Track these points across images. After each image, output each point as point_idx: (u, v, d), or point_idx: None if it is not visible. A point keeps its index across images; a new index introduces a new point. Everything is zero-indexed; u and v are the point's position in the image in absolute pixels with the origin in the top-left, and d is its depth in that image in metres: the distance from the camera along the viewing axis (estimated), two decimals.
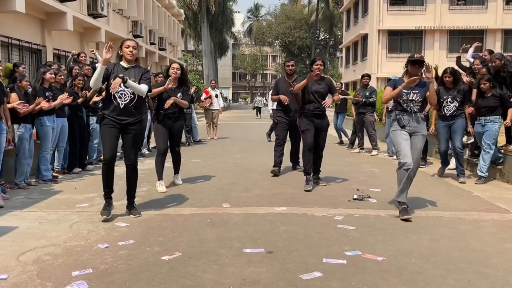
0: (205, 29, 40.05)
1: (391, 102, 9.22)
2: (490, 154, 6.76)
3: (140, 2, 20.25)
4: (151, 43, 23.29)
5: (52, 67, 7.45)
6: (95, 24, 15.16)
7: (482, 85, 6.82)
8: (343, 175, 6.30)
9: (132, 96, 4.74)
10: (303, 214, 5.01)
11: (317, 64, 6.43)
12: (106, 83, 4.75)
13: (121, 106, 4.71)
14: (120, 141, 4.95)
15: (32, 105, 6.31)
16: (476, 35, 28.12)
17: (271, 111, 11.23)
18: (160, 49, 24.82)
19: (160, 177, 6.27)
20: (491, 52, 8.37)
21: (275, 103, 7.82)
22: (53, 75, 6.87)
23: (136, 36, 20.33)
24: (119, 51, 4.81)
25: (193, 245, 3.91)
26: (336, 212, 5.07)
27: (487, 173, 6.85)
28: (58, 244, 3.93)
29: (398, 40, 28.88)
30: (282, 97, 7.26)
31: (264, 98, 38.49)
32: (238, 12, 61.34)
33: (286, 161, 7.79)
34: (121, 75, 4.65)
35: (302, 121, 6.49)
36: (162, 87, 6.07)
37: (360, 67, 31.24)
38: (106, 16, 16.45)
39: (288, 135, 7.56)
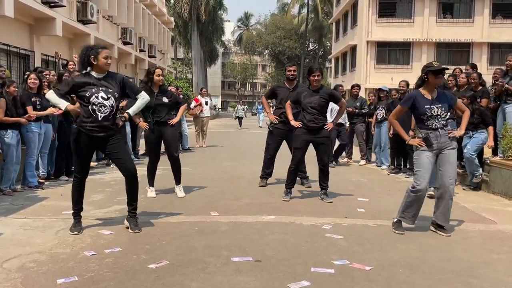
0: (195, 37, 40.11)
1: (381, 112, 9.41)
2: (472, 161, 6.99)
3: (130, 9, 20.22)
4: (141, 50, 23.23)
5: (44, 73, 7.36)
6: (85, 30, 15.08)
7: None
8: (331, 184, 6.31)
9: (112, 108, 4.43)
10: (292, 223, 5.00)
11: (314, 76, 5.96)
12: (79, 95, 4.43)
13: (100, 119, 4.39)
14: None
15: (17, 118, 6.25)
16: (463, 48, 28.64)
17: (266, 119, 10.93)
18: (149, 57, 24.75)
19: (151, 184, 6.23)
20: (473, 65, 8.61)
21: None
22: (36, 81, 6.72)
23: (125, 43, 20.28)
24: (92, 59, 4.38)
25: (181, 254, 3.88)
26: (324, 221, 5.07)
27: (480, 175, 7.10)
28: (43, 251, 3.88)
29: (386, 51, 29.20)
30: (271, 117, 6.95)
31: (245, 106, 34.75)
32: (228, 21, 61.63)
33: (278, 171, 7.77)
34: (123, 119, 4.63)
35: (296, 136, 6.09)
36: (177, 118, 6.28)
37: (349, 78, 31.49)
38: (95, 23, 16.39)
39: (288, 146, 7.16)
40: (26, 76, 6.90)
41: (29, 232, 4.47)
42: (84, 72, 4.49)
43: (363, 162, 10.20)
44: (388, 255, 3.99)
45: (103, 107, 4.38)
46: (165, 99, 6.09)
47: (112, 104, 4.43)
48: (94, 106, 4.36)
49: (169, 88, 11.96)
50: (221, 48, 57.87)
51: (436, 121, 4.57)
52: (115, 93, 4.47)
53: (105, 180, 7.49)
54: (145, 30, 23.20)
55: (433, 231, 4.75)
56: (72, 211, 4.60)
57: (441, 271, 3.63)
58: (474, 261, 3.90)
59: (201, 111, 13.33)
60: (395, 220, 4.79)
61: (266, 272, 3.50)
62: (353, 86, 10.80)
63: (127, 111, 4.73)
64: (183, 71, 46.06)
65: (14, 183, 6.36)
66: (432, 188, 5.90)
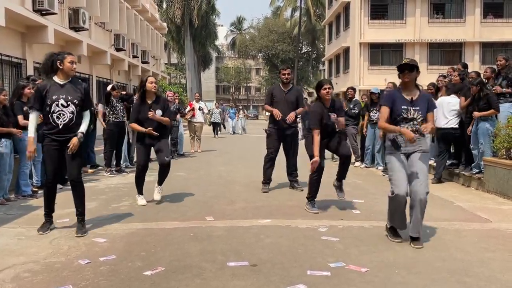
0: (188, 42, 40.19)
1: (375, 114, 9.41)
2: (481, 150, 7.11)
3: (123, 15, 20.21)
4: (134, 56, 23.22)
5: (37, 82, 7.32)
6: (77, 37, 15.06)
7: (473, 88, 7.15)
8: (326, 186, 6.30)
9: (71, 115, 4.59)
10: (287, 226, 4.99)
11: (325, 89, 5.56)
12: (44, 105, 4.58)
13: (60, 127, 4.57)
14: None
15: (10, 129, 6.22)
16: (455, 48, 28.81)
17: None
18: (143, 62, 24.76)
19: (140, 192, 6.11)
20: (464, 65, 8.67)
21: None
22: (32, 90, 6.72)
23: (118, 50, 20.25)
24: (59, 64, 4.60)
25: (176, 259, 3.87)
26: (320, 223, 5.07)
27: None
28: (38, 261, 3.85)
29: (379, 53, 29.33)
30: (275, 111, 6.81)
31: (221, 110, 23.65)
32: (221, 25, 61.73)
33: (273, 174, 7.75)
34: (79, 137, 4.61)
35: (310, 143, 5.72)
36: (145, 130, 5.85)
37: (343, 80, 31.61)
38: (88, 29, 16.37)
39: (282, 148, 7.12)
40: (20, 85, 6.84)
41: (23, 241, 4.44)
42: (49, 78, 4.63)
43: (357, 163, 10.22)
44: (384, 256, 3.99)
45: (62, 115, 4.56)
46: (159, 112, 5.96)
47: (71, 111, 4.59)
48: (54, 114, 4.54)
49: (167, 93, 12.00)
50: (214, 52, 57.91)
51: (411, 124, 4.26)
52: (75, 100, 4.60)
53: (99, 188, 7.46)
54: (138, 36, 23.19)
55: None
56: (44, 213, 4.77)
57: (437, 270, 3.64)
58: (469, 260, 3.91)
59: (193, 115, 13.34)
60: (389, 226, 4.52)
61: (262, 276, 3.49)
62: (348, 89, 10.85)
63: (80, 131, 4.65)
64: (177, 76, 46.08)
65: (7, 192, 6.32)
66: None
